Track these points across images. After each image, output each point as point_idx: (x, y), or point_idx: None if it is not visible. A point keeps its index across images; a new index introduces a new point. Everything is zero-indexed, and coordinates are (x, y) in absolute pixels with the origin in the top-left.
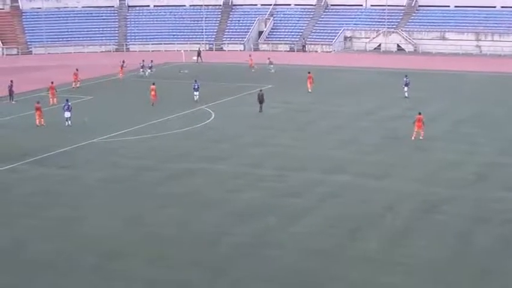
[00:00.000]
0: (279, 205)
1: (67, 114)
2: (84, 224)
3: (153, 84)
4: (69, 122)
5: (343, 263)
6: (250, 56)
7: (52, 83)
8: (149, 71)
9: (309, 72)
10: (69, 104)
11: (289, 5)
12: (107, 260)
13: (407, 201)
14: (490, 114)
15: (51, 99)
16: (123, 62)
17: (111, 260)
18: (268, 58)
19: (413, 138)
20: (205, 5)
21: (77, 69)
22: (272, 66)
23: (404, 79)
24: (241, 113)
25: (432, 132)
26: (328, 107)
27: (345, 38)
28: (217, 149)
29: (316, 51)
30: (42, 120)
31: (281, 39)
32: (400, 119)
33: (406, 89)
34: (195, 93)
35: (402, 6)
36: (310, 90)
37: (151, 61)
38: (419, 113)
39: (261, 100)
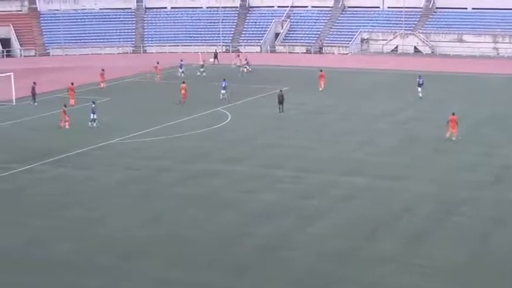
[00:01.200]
0: (296, 206)
1: (92, 116)
2: (102, 224)
3: (183, 83)
4: (94, 124)
5: (360, 265)
6: (238, 56)
7: (72, 84)
8: (181, 70)
9: (321, 71)
10: (94, 105)
11: (306, 6)
12: (124, 260)
13: (425, 203)
14: (508, 117)
15: (70, 100)
16: (158, 63)
17: (129, 260)
18: (246, 59)
19: (447, 135)
20: (222, 7)
21: (102, 70)
22: (242, 67)
23: (418, 79)
24: (257, 114)
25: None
26: (344, 108)
27: (362, 40)
28: (234, 150)
29: (333, 53)
30: (67, 123)
31: (298, 41)
32: (417, 121)
33: (419, 89)
34: (222, 91)
35: (419, 8)
36: (321, 89)
37: (182, 60)
38: (453, 114)
39: (280, 101)
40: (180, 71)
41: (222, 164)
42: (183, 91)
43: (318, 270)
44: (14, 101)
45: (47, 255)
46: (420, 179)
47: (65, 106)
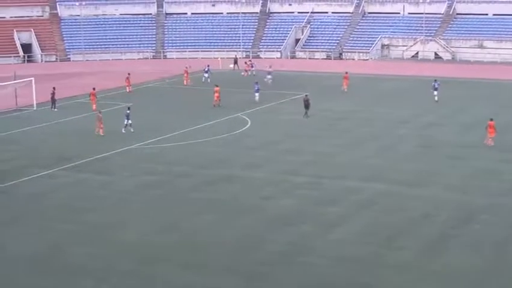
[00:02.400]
0: (315, 213)
1: (126, 121)
2: (120, 229)
3: (217, 86)
4: (130, 129)
5: (379, 272)
6: (246, 62)
7: (94, 89)
8: (206, 75)
9: (346, 73)
10: (128, 111)
11: (327, 12)
12: (143, 265)
13: (444, 210)
14: None
15: (92, 105)
16: (189, 67)
17: (148, 265)
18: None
19: (487, 143)
20: (242, 13)
21: (128, 74)
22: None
23: (433, 83)
24: (277, 120)
25: (469, 140)
26: (364, 114)
27: (382, 45)
28: (253, 156)
29: (353, 59)
30: (101, 130)
31: (318, 47)
32: (438, 127)
33: (435, 93)
34: (256, 94)
35: (440, 14)
36: (345, 90)
37: (208, 65)
38: (491, 119)
39: (306, 105)
40: (206, 76)
41: (241, 170)
42: (216, 94)
43: (337, 276)
44: (34, 106)
45: (65, 259)
46: (440, 185)
47: (100, 112)
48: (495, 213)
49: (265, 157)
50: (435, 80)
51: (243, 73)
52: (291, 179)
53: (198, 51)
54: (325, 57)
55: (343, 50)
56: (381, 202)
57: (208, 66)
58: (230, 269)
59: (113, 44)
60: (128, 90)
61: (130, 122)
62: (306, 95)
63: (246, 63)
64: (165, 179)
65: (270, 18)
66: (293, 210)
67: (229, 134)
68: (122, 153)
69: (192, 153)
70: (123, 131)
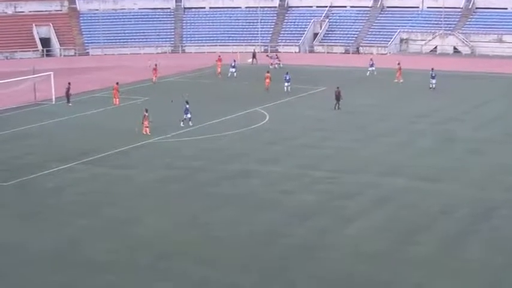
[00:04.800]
0: (333, 207)
1: (186, 116)
2: (139, 224)
3: (268, 72)
4: (190, 123)
5: (397, 267)
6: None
7: (117, 83)
8: (232, 70)
9: (398, 63)
10: (187, 106)
11: (345, 6)
12: (160, 260)
13: (463, 205)
14: None
15: (114, 99)
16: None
17: (164, 260)
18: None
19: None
20: (260, 7)
21: (156, 65)
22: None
23: (431, 72)
24: (295, 114)
25: (489, 135)
26: (383, 109)
27: (401, 40)
28: (271, 150)
29: (372, 53)
30: (148, 129)
31: (336, 41)
32: (456, 122)
33: (433, 81)
34: (286, 84)
35: (459, 8)
36: (401, 81)
37: (234, 60)
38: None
39: (337, 97)
40: (232, 70)
41: (259, 165)
42: (267, 80)
43: (355, 271)
44: (53, 100)
45: (85, 255)
46: (458, 180)
47: (146, 111)
48: None
49: (283, 151)
50: (432, 69)
51: (271, 66)
52: (310, 174)
53: (216, 45)
54: (343, 51)
55: (362, 44)
56: (399, 197)
57: (235, 61)
58: (246, 264)
59: (131, 38)
60: (154, 80)
61: (189, 116)
62: (338, 87)
63: (268, 56)
64: (183, 174)
65: (289, 12)
66: (311, 205)
67: (248, 128)
68: (141, 147)
69: (210, 148)
70: (182, 125)
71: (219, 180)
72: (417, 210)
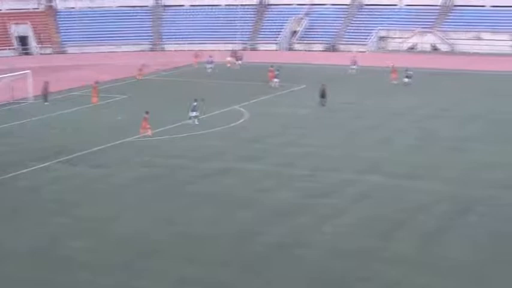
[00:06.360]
0: (311, 205)
1: (192, 113)
2: (116, 222)
3: (272, 66)
4: (195, 121)
5: (375, 264)
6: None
7: (96, 82)
8: (209, 66)
9: (392, 65)
10: (195, 104)
11: (325, 4)
12: (138, 258)
13: (441, 202)
14: None
15: (93, 98)
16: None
17: (143, 258)
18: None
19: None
20: (240, 5)
21: (143, 64)
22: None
23: (406, 72)
24: (274, 112)
25: (468, 133)
26: (362, 106)
27: (380, 37)
28: (250, 148)
29: (350, 51)
30: (150, 131)
31: (315, 39)
32: (435, 119)
33: (406, 80)
34: (275, 80)
35: (437, 6)
36: (395, 82)
37: (210, 56)
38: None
39: (323, 94)
40: (208, 66)
41: (238, 163)
42: (270, 73)
43: (333, 269)
44: (31, 98)
45: (61, 252)
46: (437, 177)
47: (147, 113)
48: (492, 205)
49: (261, 150)
50: (406, 69)
51: (228, 65)
52: (288, 172)
53: (195, 43)
54: (322, 49)
55: (341, 42)
56: (377, 195)
57: (211, 57)
58: (225, 262)
59: (109, 37)
60: (138, 78)
61: (196, 114)
62: (323, 84)
63: (231, 56)
64: (161, 172)
65: (268, 9)
66: (289, 203)
67: (227, 126)
68: (119, 145)
69: (188, 146)
70: (190, 122)
71: (198, 178)
72: (395, 207)
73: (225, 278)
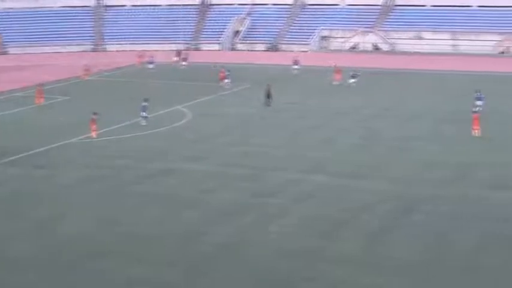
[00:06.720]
0: (257, 205)
1: (143, 114)
2: (61, 223)
3: (223, 67)
4: (143, 122)
5: (320, 263)
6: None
7: (41, 83)
8: (150, 66)
9: (335, 65)
10: (146, 104)
11: (267, 4)
12: (84, 259)
13: (385, 201)
14: (466, 112)
15: (37, 99)
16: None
17: (89, 259)
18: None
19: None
20: (182, 5)
21: (86, 64)
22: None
23: (351, 73)
24: (218, 113)
25: (411, 132)
26: (305, 106)
27: (322, 37)
28: (194, 148)
29: (292, 51)
30: (94, 133)
31: (258, 38)
32: (378, 118)
33: (352, 80)
34: (225, 80)
35: (379, 5)
36: (336, 83)
37: (152, 57)
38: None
39: (268, 95)
40: (150, 66)
41: (182, 163)
42: (221, 74)
43: (279, 269)
44: None
45: (5, 254)
46: (381, 177)
47: (95, 114)
48: (437, 204)
49: (205, 150)
50: (354, 71)
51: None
52: (232, 172)
53: (137, 43)
54: (265, 49)
55: (283, 41)
56: (321, 194)
57: (152, 57)
58: (171, 262)
59: (52, 37)
60: (83, 78)
61: (146, 114)
62: (268, 85)
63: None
64: (105, 173)
65: (210, 9)
66: (233, 203)
67: (170, 127)
68: (61, 147)
69: (132, 147)
70: (144, 124)
71: (143, 178)
72: (340, 206)
73: (171, 278)
